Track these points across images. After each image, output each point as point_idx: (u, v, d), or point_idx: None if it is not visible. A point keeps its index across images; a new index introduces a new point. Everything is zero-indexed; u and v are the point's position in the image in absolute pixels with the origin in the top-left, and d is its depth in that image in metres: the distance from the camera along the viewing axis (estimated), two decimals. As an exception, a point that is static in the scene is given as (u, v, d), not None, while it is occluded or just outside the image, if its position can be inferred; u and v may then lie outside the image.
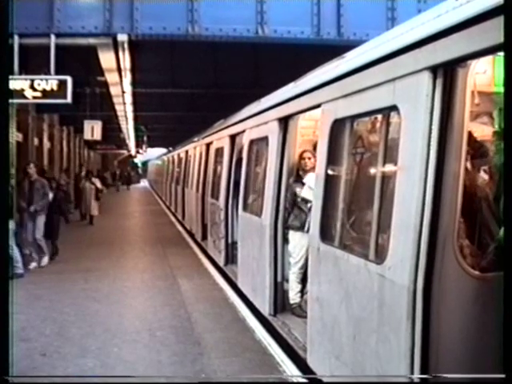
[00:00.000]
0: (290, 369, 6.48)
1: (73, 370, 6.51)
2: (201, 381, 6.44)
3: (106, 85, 18.70)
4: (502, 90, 4.43)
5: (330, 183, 5.86)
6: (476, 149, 4.53)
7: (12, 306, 3.66)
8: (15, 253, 11.30)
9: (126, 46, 12.82)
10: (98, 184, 23.01)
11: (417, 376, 3.82)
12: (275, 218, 7.80)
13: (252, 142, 9.90)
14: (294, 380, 6.28)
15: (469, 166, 4.29)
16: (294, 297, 7.63)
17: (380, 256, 4.62)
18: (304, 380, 6.30)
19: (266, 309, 8.09)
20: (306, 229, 7.08)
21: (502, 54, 3.78)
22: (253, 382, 6.72)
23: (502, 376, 2.57)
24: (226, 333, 7.88)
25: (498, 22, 3.19)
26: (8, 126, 3.48)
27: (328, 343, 5.51)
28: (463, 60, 3.64)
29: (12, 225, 10.96)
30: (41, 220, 12.62)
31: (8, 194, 10.79)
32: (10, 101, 11.44)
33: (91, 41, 12.61)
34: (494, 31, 3.24)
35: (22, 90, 12.24)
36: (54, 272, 11.94)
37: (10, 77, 11.66)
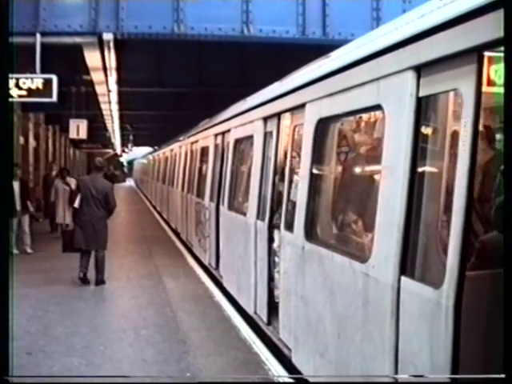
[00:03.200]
0: (274, 367, 6.50)
1: (58, 368, 6.48)
2: (187, 381, 6.46)
3: (91, 84, 18.64)
4: (486, 89, 4.48)
5: (314, 182, 5.88)
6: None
7: (12, 307, 3.65)
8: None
9: (111, 44, 12.80)
10: (73, 185, 16.56)
11: (400, 376, 3.85)
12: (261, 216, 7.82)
13: (237, 141, 9.92)
14: (281, 380, 6.28)
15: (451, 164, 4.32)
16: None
17: (364, 254, 4.65)
18: (290, 380, 6.32)
19: (251, 307, 8.11)
20: None
21: (487, 53, 3.83)
22: (240, 382, 6.73)
23: (502, 376, 2.59)
24: (211, 331, 7.89)
25: (482, 22, 3.22)
26: (8, 126, 3.45)
27: (313, 341, 5.53)
28: (447, 59, 3.66)
29: None
30: None
31: (9, 193, 10.77)
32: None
33: (77, 39, 12.57)
34: (477, 30, 3.27)
35: (8, 88, 12.17)
36: (40, 271, 11.86)
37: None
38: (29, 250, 14.33)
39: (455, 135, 4.10)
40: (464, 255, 3.32)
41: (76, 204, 10.83)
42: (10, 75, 12.50)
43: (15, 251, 13.83)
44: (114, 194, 11.35)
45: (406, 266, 3.86)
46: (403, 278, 3.84)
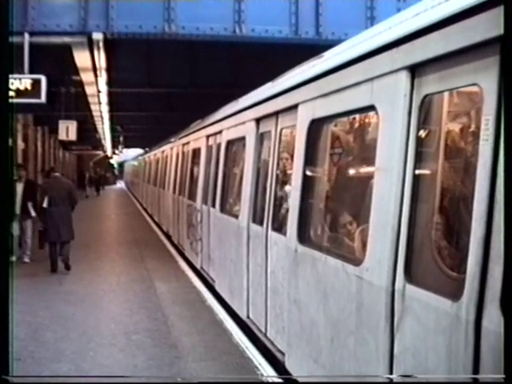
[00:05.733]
0: (268, 372, 6.43)
1: (47, 374, 6.39)
2: (178, 381, 6.38)
3: (81, 84, 18.51)
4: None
5: (307, 184, 5.81)
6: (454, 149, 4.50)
7: (12, 306, 3.57)
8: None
9: (101, 44, 12.68)
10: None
11: (393, 376, 3.77)
12: (253, 219, 7.73)
13: (229, 143, 9.84)
14: (270, 380, 6.22)
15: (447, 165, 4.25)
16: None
17: (358, 257, 4.58)
18: (280, 380, 6.26)
19: (243, 311, 8.02)
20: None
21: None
22: (231, 382, 6.67)
23: (502, 376, 2.52)
24: (202, 336, 7.81)
25: (476, 21, 3.15)
26: (8, 128, 3.35)
27: (306, 346, 5.45)
28: (441, 59, 3.59)
29: None
30: None
31: (8, 193, 10.43)
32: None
33: (66, 39, 12.44)
34: (471, 30, 3.20)
35: (-5, 89, 12.02)
36: (28, 275, 11.73)
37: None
38: (26, 259, 13.36)
39: (451, 135, 4.06)
40: (486, 264, 3.02)
41: (45, 204, 12.30)
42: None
43: (13, 258, 12.84)
44: (75, 190, 13.68)
45: (411, 273, 3.76)
46: (408, 286, 3.71)
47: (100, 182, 53.03)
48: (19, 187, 13.30)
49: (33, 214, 13.43)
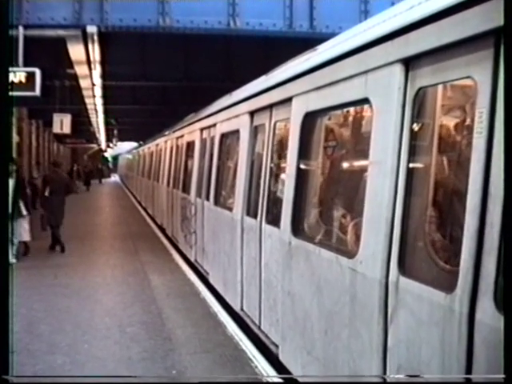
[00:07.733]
0: (261, 364, 6.44)
1: (41, 367, 6.39)
2: (174, 381, 6.38)
3: (75, 77, 18.46)
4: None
5: (301, 177, 5.81)
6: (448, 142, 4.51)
7: (12, 305, 3.57)
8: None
9: (95, 37, 12.66)
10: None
11: (396, 376, 3.78)
12: (247, 212, 7.74)
13: (223, 136, 9.83)
14: (269, 380, 6.20)
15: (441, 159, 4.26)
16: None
17: (351, 250, 4.59)
18: (280, 380, 6.24)
19: (237, 304, 8.04)
20: None
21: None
22: (229, 382, 6.67)
23: (502, 376, 2.53)
24: (197, 328, 7.81)
25: (470, 14, 3.16)
26: (9, 122, 3.36)
27: (300, 338, 5.47)
28: (435, 52, 3.60)
29: None
30: None
31: (7, 193, 10.32)
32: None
33: (60, 32, 12.42)
34: (465, 23, 3.20)
35: (-11, 82, 11.96)
36: (22, 268, 11.68)
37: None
38: (12, 260, 11.92)
39: (445, 128, 4.07)
40: (479, 257, 3.02)
41: (46, 193, 14.22)
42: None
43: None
44: (72, 181, 16.25)
45: (405, 266, 3.77)
46: (402, 279, 3.73)
47: (91, 175, 49.02)
48: (10, 184, 12.62)
49: (24, 212, 12.74)
